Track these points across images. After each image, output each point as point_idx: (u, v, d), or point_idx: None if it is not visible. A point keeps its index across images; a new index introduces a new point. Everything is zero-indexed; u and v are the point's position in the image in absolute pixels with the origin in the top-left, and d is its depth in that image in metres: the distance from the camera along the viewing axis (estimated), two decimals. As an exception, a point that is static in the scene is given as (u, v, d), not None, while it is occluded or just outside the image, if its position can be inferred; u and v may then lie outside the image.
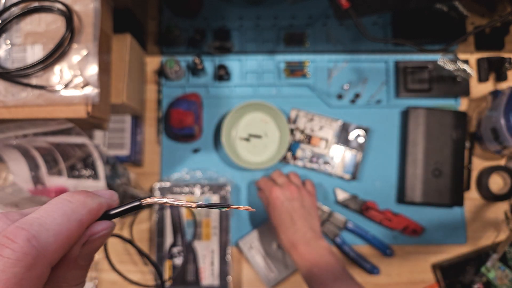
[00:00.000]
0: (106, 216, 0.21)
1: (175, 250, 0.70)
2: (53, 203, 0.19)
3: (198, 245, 0.70)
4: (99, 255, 0.72)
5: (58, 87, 0.49)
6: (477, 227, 0.73)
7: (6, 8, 0.50)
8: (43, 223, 0.17)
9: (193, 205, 0.23)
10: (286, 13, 0.73)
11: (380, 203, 0.71)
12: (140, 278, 0.71)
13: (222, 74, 0.73)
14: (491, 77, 0.75)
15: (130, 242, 0.23)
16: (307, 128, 0.73)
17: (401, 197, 0.72)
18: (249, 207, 0.23)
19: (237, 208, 0.23)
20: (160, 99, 0.74)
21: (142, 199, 0.22)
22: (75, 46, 0.50)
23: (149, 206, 0.22)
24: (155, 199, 0.22)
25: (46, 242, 0.17)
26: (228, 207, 0.23)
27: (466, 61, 0.71)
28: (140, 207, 0.22)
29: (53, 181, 0.61)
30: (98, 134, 0.71)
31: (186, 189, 0.71)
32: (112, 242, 0.71)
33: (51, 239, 0.17)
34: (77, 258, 0.19)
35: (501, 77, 0.74)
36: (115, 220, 0.22)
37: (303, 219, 0.61)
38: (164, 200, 0.22)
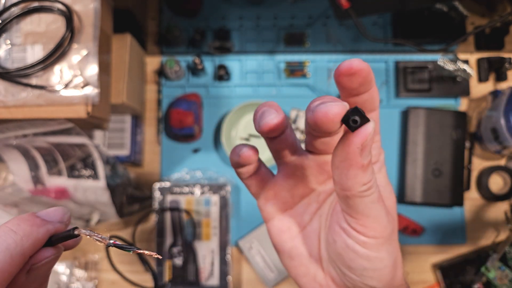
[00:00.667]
0: (50, 242, 0.20)
1: (175, 250, 0.70)
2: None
3: (198, 245, 0.70)
4: (99, 255, 0.72)
5: (58, 87, 0.49)
6: (477, 227, 0.73)
7: (6, 8, 0.50)
8: None
9: (105, 242, 0.22)
10: (286, 13, 0.73)
11: (380, 203, 0.71)
12: (139, 279, 0.71)
13: (222, 74, 0.73)
14: (491, 77, 0.75)
15: (131, 245, 0.23)
16: (307, 128, 0.73)
17: (401, 197, 0.72)
18: (156, 254, 0.22)
19: (142, 252, 0.22)
20: (160, 99, 0.74)
21: (75, 229, 0.22)
22: (75, 46, 0.50)
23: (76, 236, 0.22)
24: (86, 232, 0.22)
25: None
26: (133, 251, 0.22)
27: (466, 61, 0.71)
28: (74, 236, 0.21)
29: (53, 181, 0.61)
30: (98, 134, 0.71)
31: (186, 189, 0.71)
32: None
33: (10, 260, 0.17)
34: (24, 284, 0.19)
35: (501, 77, 0.74)
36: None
37: None
38: (86, 232, 0.22)
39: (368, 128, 0.19)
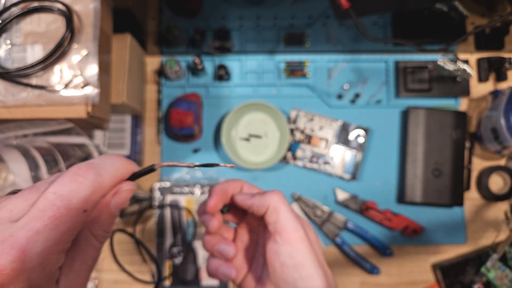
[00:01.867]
0: (133, 177, 0.27)
1: (175, 250, 0.70)
2: (107, 157, 0.25)
3: (198, 245, 0.70)
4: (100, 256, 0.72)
5: (58, 87, 0.49)
6: (477, 227, 0.73)
7: (6, 8, 0.50)
8: (103, 167, 0.24)
9: (193, 164, 0.28)
10: (286, 13, 0.73)
11: (380, 203, 0.71)
12: (141, 278, 0.71)
13: (222, 74, 0.73)
14: (491, 77, 0.75)
15: (132, 235, 0.25)
16: (307, 128, 0.73)
17: (401, 197, 0.72)
18: (232, 165, 0.29)
19: (224, 165, 0.28)
20: (160, 99, 0.74)
21: (154, 165, 0.28)
22: (75, 46, 0.50)
23: (155, 169, 0.28)
24: (164, 163, 0.28)
25: (103, 180, 0.23)
26: (217, 165, 0.28)
27: (466, 61, 0.71)
28: (153, 170, 0.28)
29: (53, 181, 0.60)
30: (98, 134, 0.71)
31: (186, 189, 0.71)
32: (114, 241, 0.71)
33: (106, 179, 0.24)
34: (109, 204, 0.25)
35: (501, 77, 0.74)
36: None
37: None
38: (168, 163, 0.28)
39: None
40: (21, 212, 0.21)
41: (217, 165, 0.28)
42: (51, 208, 0.21)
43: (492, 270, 0.66)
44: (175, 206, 0.70)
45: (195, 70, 0.73)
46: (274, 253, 0.33)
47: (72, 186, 0.22)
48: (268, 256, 0.34)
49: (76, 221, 0.22)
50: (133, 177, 0.27)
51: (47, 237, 0.21)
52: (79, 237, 0.25)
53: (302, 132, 0.74)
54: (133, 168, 0.27)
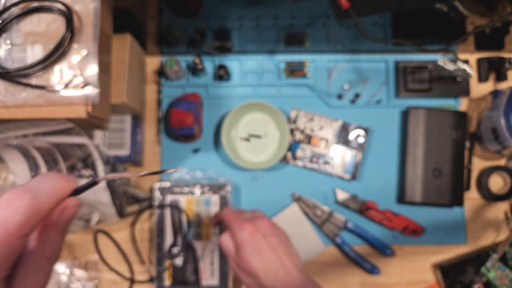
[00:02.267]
0: (76, 192, 0.27)
1: (175, 250, 0.70)
2: (44, 178, 0.25)
3: (198, 245, 0.70)
4: (99, 255, 0.72)
5: (58, 87, 0.49)
6: (477, 227, 0.73)
7: (6, 8, 0.50)
8: (40, 190, 0.24)
9: (139, 174, 0.28)
10: (286, 13, 0.73)
11: (380, 203, 0.71)
12: (141, 278, 0.71)
13: (222, 74, 0.73)
14: (491, 77, 0.75)
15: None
16: (307, 128, 0.74)
17: (401, 197, 0.72)
18: (178, 169, 0.30)
19: (168, 171, 0.29)
20: (160, 99, 0.74)
21: (97, 178, 0.28)
22: (75, 46, 0.50)
23: (95, 184, 0.29)
24: (108, 176, 0.29)
25: (40, 203, 0.23)
26: (163, 171, 0.30)
27: (466, 61, 0.71)
28: (95, 184, 0.28)
29: (53, 181, 0.60)
30: (98, 134, 0.71)
31: (186, 189, 0.71)
32: (110, 243, 0.72)
33: (43, 202, 0.23)
34: (58, 222, 0.25)
35: (501, 77, 0.74)
36: None
37: (289, 257, 0.49)
38: (112, 175, 0.29)
39: None
40: None
41: (163, 171, 0.30)
42: None
43: (492, 270, 0.66)
44: (175, 206, 0.70)
45: (195, 70, 0.73)
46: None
47: (6, 212, 0.21)
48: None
49: (12, 247, 0.21)
50: (77, 191, 0.27)
51: None
52: (28, 262, 0.24)
53: (302, 132, 0.74)
54: (73, 184, 0.26)
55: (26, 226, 0.22)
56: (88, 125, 0.55)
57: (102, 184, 0.60)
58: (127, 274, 0.71)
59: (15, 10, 0.50)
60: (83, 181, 0.28)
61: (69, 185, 0.26)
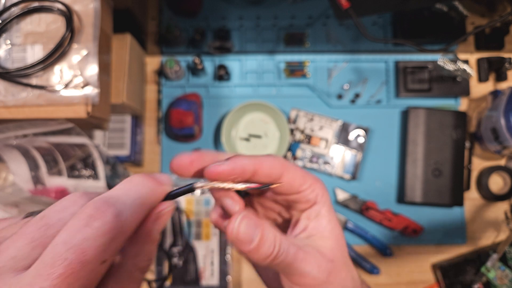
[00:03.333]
0: (168, 197, 0.24)
1: (175, 250, 0.70)
2: (129, 185, 0.21)
3: (198, 245, 0.70)
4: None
5: (58, 87, 0.49)
6: (477, 227, 0.73)
7: (6, 8, 0.50)
8: (125, 202, 0.20)
9: (241, 187, 0.24)
10: (286, 13, 0.73)
11: (380, 203, 0.71)
12: (140, 278, 0.71)
13: (222, 74, 0.73)
14: (491, 77, 0.75)
15: None
16: (307, 128, 0.73)
17: (401, 197, 0.72)
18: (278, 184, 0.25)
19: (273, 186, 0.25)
20: (160, 99, 0.74)
21: (194, 183, 0.25)
22: (75, 46, 0.50)
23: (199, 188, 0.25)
24: (204, 184, 0.25)
25: (126, 219, 0.19)
26: (269, 185, 0.25)
27: (466, 61, 0.71)
28: (192, 190, 0.25)
29: (53, 181, 0.61)
30: (98, 134, 0.71)
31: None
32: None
33: (130, 218, 0.20)
34: (151, 232, 0.22)
35: (501, 77, 0.74)
36: None
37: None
38: (211, 184, 0.25)
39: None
40: (26, 259, 0.18)
41: (268, 185, 0.25)
42: (61, 263, 0.17)
43: (492, 270, 0.66)
44: (175, 206, 0.70)
45: (195, 70, 0.73)
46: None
47: (86, 233, 0.18)
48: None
49: (92, 275, 0.18)
50: (170, 197, 0.23)
51: None
52: (119, 275, 0.21)
53: (302, 132, 0.74)
54: (165, 189, 0.23)
55: (109, 250, 0.18)
56: (88, 125, 0.55)
57: (102, 184, 0.60)
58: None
59: (15, 10, 0.50)
60: (176, 185, 0.24)
61: (160, 190, 0.22)
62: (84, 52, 0.50)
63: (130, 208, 0.20)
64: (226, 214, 0.28)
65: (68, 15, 0.49)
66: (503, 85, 0.75)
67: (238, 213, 0.24)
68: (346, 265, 0.27)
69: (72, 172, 0.60)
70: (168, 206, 0.23)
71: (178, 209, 0.70)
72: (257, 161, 0.25)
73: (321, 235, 0.27)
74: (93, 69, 0.50)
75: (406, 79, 0.74)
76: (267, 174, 0.25)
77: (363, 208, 0.71)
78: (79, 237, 0.17)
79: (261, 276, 0.32)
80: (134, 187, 0.21)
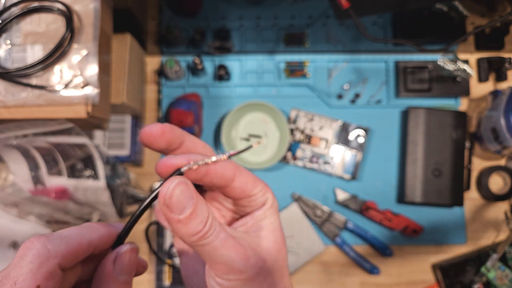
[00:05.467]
0: (121, 239, 0.25)
1: (175, 250, 0.70)
2: (75, 227, 0.23)
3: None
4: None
5: (58, 87, 0.49)
6: (477, 227, 0.73)
7: (6, 8, 0.50)
8: (59, 235, 0.22)
9: (224, 157, 0.24)
10: (286, 13, 0.73)
11: (380, 203, 0.71)
12: (141, 278, 0.71)
13: (222, 74, 0.73)
14: (491, 77, 0.75)
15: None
16: (307, 128, 0.73)
17: (401, 197, 0.72)
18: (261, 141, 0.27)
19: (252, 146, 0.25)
20: (160, 99, 0.74)
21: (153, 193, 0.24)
22: (75, 46, 0.50)
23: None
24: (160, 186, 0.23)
25: (57, 247, 0.21)
26: (250, 146, 0.25)
27: (466, 61, 0.71)
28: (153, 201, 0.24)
29: (53, 181, 0.61)
30: (98, 134, 0.71)
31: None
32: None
33: (61, 246, 0.22)
34: (113, 273, 0.23)
35: (501, 77, 0.74)
36: None
37: None
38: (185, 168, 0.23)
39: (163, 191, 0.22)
40: None
41: (249, 148, 0.25)
42: None
43: (492, 270, 0.66)
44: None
45: (195, 70, 0.73)
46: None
47: (18, 264, 0.21)
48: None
49: None
50: (124, 234, 0.24)
51: None
52: None
53: (302, 132, 0.74)
54: (111, 229, 0.24)
55: (39, 274, 0.20)
56: (88, 125, 0.55)
57: (102, 184, 0.60)
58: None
59: (15, 10, 0.50)
60: (122, 224, 0.25)
61: (106, 229, 0.23)
62: (84, 52, 0.50)
63: (63, 240, 0.22)
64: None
65: (68, 15, 0.49)
66: (503, 85, 0.75)
67: (175, 177, 0.22)
68: (280, 270, 0.26)
69: (72, 172, 0.60)
70: (124, 246, 0.23)
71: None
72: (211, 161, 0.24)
73: (259, 233, 0.26)
74: (93, 69, 0.50)
75: (406, 79, 0.74)
76: (220, 175, 0.24)
77: (363, 208, 0.71)
78: (11, 269, 0.20)
79: (182, 266, 0.30)
80: (76, 227, 0.23)
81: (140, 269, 0.27)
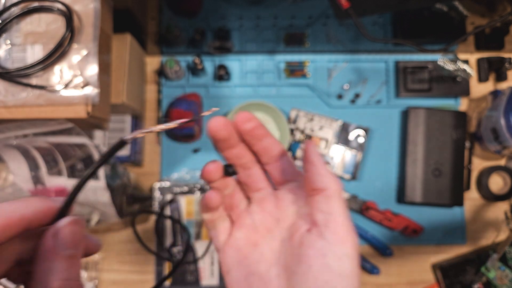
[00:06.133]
0: (62, 213, 0.23)
1: (175, 250, 0.70)
2: (7, 202, 0.22)
3: (198, 245, 0.70)
4: (99, 255, 0.72)
5: (58, 87, 0.49)
6: (477, 227, 0.73)
7: (6, 8, 0.50)
8: None
9: (173, 125, 0.26)
10: (286, 13, 0.73)
11: (380, 203, 0.71)
12: (141, 278, 0.71)
13: (222, 74, 0.73)
14: (491, 77, 0.75)
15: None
16: (307, 128, 0.73)
17: (401, 197, 0.72)
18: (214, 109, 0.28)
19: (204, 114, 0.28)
20: (160, 99, 0.74)
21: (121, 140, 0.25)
22: (75, 46, 0.50)
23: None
24: (133, 134, 0.25)
25: None
26: (198, 116, 0.29)
27: (466, 61, 0.71)
28: (118, 148, 0.25)
29: (53, 181, 0.61)
30: (98, 134, 0.71)
31: (186, 189, 0.71)
32: (114, 241, 0.72)
33: None
34: (55, 248, 0.22)
35: (501, 77, 0.74)
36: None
37: None
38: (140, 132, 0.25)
39: None
40: None
41: (198, 116, 0.29)
42: None
43: (492, 270, 0.66)
44: (175, 206, 0.70)
45: (195, 70, 0.73)
46: (317, 250, 0.26)
47: None
48: (307, 252, 0.26)
49: None
50: (65, 207, 0.23)
51: None
52: None
53: (302, 132, 0.74)
54: (50, 203, 0.23)
55: None
56: (88, 125, 0.55)
57: (102, 184, 0.60)
58: (128, 274, 0.71)
59: (15, 10, 0.50)
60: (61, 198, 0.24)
61: (37, 205, 0.23)
62: (84, 52, 0.50)
63: None
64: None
65: (68, 15, 0.49)
66: (503, 85, 0.75)
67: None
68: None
69: (72, 172, 0.60)
70: (65, 220, 0.22)
71: (178, 210, 0.70)
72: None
73: (338, 235, 0.27)
74: (93, 69, 0.50)
75: (406, 79, 0.74)
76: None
77: (363, 208, 0.71)
78: None
79: (227, 278, 0.31)
80: (10, 202, 0.22)
81: (92, 248, 0.25)
